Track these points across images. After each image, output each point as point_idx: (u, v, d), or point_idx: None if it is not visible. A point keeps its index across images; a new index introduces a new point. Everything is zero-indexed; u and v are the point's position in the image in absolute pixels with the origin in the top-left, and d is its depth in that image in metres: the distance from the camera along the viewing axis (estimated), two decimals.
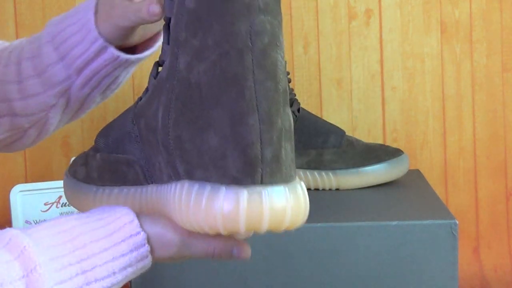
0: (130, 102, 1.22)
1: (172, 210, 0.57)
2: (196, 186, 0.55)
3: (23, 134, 0.78)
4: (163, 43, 0.60)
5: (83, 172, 0.69)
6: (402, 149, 1.11)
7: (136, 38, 0.75)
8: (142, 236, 0.57)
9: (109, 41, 0.72)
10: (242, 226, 0.53)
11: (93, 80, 0.75)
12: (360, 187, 1.02)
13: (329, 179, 1.01)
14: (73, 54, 0.73)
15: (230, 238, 0.59)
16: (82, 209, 0.68)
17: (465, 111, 1.22)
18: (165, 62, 0.59)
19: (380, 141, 1.22)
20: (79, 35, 0.73)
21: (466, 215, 1.22)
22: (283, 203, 0.54)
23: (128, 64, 0.75)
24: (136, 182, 0.63)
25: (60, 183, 0.84)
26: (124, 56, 0.73)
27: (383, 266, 0.83)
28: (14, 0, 1.21)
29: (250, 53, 0.54)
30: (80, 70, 0.74)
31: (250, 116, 0.53)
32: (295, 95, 1.06)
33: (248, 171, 0.53)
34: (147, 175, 0.62)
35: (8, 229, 0.55)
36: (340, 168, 1.01)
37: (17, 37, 1.21)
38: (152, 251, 0.58)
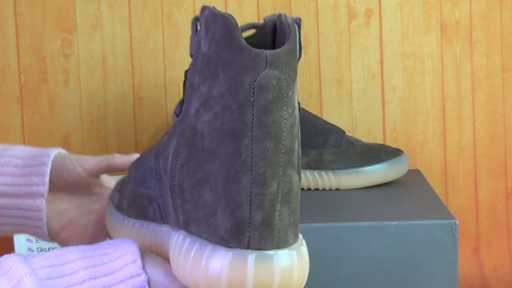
0: (130, 102, 1.22)
1: (170, 258, 0.56)
2: (188, 240, 0.53)
3: None
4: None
5: (117, 199, 0.68)
6: (402, 149, 1.11)
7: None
8: (143, 278, 0.54)
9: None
10: None
11: None
12: (360, 187, 1.02)
13: (329, 179, 1.01)
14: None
15: None
16: (112, 234, 0.68)
17: (465, 111, 1.22)
18: (183, 103, 0.57)
19: (380, 141, 1.22)
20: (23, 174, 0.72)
21: (466, 215, 1.22)
22: (270, 270, 0.51)
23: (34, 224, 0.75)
24: (155, 219, 0.61)
25: None
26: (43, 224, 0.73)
27: (383, 266, 0.83)
28: (14, 0, 1.21)
29: (252, 108, 0.51)
30: None
31: (243, 176, 0.51)
32: None
33: (235, 234, 0.51)
34: (163, 214, 0.60)
35: (12, 255, 0.54)
36: (340, 168, 1.01)
37: (17, 37, 1.22)
38: None
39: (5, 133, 1.22)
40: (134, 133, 1.22)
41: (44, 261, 0.53)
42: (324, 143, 1.03)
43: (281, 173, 0.51)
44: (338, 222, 0.84)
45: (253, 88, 0.51)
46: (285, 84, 0.51)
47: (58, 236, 0.75)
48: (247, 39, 0.56)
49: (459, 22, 1.21)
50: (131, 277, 0.54)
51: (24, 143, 1.22)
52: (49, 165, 0.72)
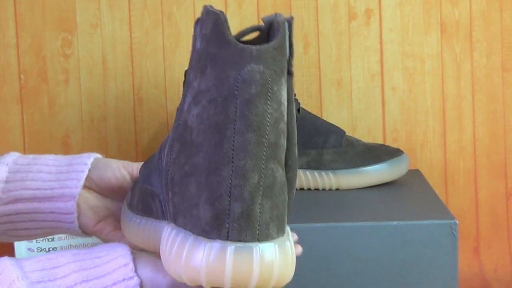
0: (130, 102, 1.22)
1: (160, 252, 0.56)
2: (174, 232, 0.54)
3: None
4: None
5: (129, 198, 0.69)
6: (402, 149, 1.11)
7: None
8: (135, 281, 0.54)
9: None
10: (204, 280, 0.52)
11: (17, 216, 0.73)
12: (360, 187, 1.02)
13: (329, 179, 1.01)
14: (25, 185, 0.72)
15: None
16: (123, 232, 0.68)
17: (465, 111, 1.22)
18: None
19: (380, 141, 1.22)
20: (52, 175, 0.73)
21: (466, 215, 1.22)
22: (249, 262, 0.51)
23: (67, 229, 0.75)
24: (157, 216, 0.62)
25: None
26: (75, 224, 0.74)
27: (383, 266, 0.83)
28: (14, 0, 1.21)
29: (235, 102, 0.51)
30: (15, 201, 0.72)
31: (224, 168, 0.51)
32: (295, 95, 1.06)
33: (215, 225, 0.51)
34: (164, 211, 0.60)
35: (4, 258, 0.54)
36: (340, 168, 1.01)
37: (17, 37, 1.22)
38: None
39: (5, 133, 1.22)
40: (134, 133, 1.22)
41: (36, 264, 0.54)
42: (324, 143, 1.03)
43: (263, 166, 0.51)
44: (338, 222, 0.84)
45: (237, 82, 0.51)
46: (269, 79, 0.52)
47: (91, 231, 0.75)
48: (250, 41, 0.56)
49: (459, 22, 1.21)
50: (123, 280, 0.54)
51: (24, 143, 1.22)
52: (86, 171, 0.73)
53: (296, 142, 0.56)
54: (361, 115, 1.22)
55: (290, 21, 0.54)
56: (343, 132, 1.05)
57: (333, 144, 1.03)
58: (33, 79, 1.22)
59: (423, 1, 1.20)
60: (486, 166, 1.22)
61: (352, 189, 1.01)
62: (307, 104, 1.21)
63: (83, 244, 1.10)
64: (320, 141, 1.03)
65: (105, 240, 0.75)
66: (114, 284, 0.54)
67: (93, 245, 1.05)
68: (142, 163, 0.70)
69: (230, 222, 0.51)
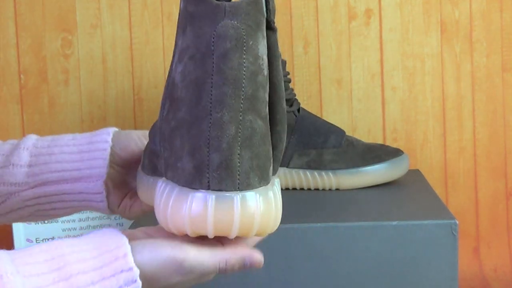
0: (130, 102, 1.22)
1: (154, 206, 0.58)
2: (163, 185, 0.56)
3: None
4: None
5: (142, 159, 0.70)
6: (402, 149, 1.11)
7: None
8: (134, 272, 0.54)
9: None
10: (188, 229, 0.54)
11: (45, 199, 0.73)
12: (360, 187, 1.02)
13: (329, 179, 1.01)
14: (50, 168, 0.72)
15: (239, 246, 0.57)
16: (138, 193, 0.70)
17: (465, 111, 1.22)
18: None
19: (380, 141, 1.22)
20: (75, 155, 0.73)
21: (466, 215, 1.22)
22: (230, 210, 0.53)
23: (99, 208, 0.75)
24: (161, 174, 0.63)
25: None
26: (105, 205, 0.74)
27: (383, 266, 0.83)
28: (14, 0, 1.21)
29: (211, 57, 0.53)
30: (42, 184, 0.73)
31: (203, 120, 0.53)
32: (295, 95, 1.06)
33: (196, 175, 0.53)
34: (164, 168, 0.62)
35: None
36: (340, 168, 1.01)
37: (17, 37, 1.22)
38: (155, 280, 0.55)
39: (5, 133, 1.22)
40: None
41: (29, 257, 0.53)
42: (324, 143, 1.03)
43: (240, 118, 0.53)
44: (338, 222, 0.84)
45: (213, 38, 0.53)
46: (244, 33, 0.53)
47: (118, 209, 0.76)
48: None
49: (459, 22, 1.21)
50: (122, 271, 0.54)
51: None
52: (109, 149, 0.73)
53: (283, 95, 0.58)
54: (361, 115, 1.22)
55: None
56: (343, 132, 1.05)
57: (333, 144, 1.03)
58: (33, 79, 1.22)
59: (423, 1, 1.20)
60: (486, 166, 1.22)
61: (352, 189, 1.01)
62: (307, 104, 1.21)
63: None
64: (320, 141, 1.03)
65: (129, 217, 0.76)
66: (112, 276, 0.53)
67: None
68: None
69: (210, 172, 0.53)
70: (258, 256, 0.57)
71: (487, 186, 1.22)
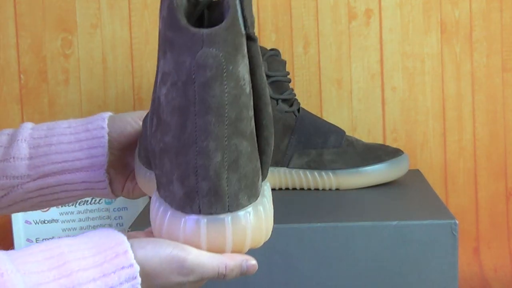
0: (130, 102, 1.22)
1: (150, 217, 0.60)
2: (157, 203, 0.58)
3: None
4: None
5: (138, 148, 0.71)
6: (402, 149, 1.11)
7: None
8: (134, 268, 0.54)
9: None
10: None
11: (48, 190, 0.74)
12: (360, 187, 1.02)
13: (329, 179, 1.01)
14: (50, 159, 0.73)
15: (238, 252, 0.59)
16: (137, 182, 0.71)
17: (465, 111, 1.22)
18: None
19: (380, 141, 1.22)
20: (74, 144, 0.73)
21: (466, 215, 1.22)
22: (222, 232, 0.55)
23: (103, 194, 0.76)
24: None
25: None
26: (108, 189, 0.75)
27: (383, 266, 0.83)
28: (14, 0, 1.21)
29: (193, 86, 0.54)
30: (44, 176, 0.73)
31: (189, 149, 0.54)
32: (295, 95, 1.06)
33: (187, 201, 0.55)
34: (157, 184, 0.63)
35: None
36: (340, 168, 1.01)
37: (17, 37, 1.22)
38: (152, 278, 0.56)
39: None
40: None
41: (29, 256, 0.53)
42: (324, 143, 1.03)
43: (225, 143, 0.54)
44: (338, 222, 0.84)
45: (193, 67, 0.54)
46: (223, 60, 0.54)
47: (122, 193, 0.77)
48: (215, 4, 0.59)
49: (459, 22, 1.21)
50: (122, 268, 0.54)
51: None
52: (106, 136, 0.73)
53: (269, 101, 0.59)
54: (361, 115, 1.22)
55: None
56: (343, 132, 1.05)
57: (333, 144, 1.03)
58: (33, 79, 1.22)
59: (423, 1, 1.20)
60: (486, 166, 1.22)
61: (352, 189, 1.01)
62: (307, 104, 1.21)
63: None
64: (320, 141, 1.03)
65: (133, 198, 0.77)
66: (113, 272, 0.54)
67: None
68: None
69: (199, 198, 0.55)
70: (253, 261, 0.59)
71: (487, 186, 1.22)
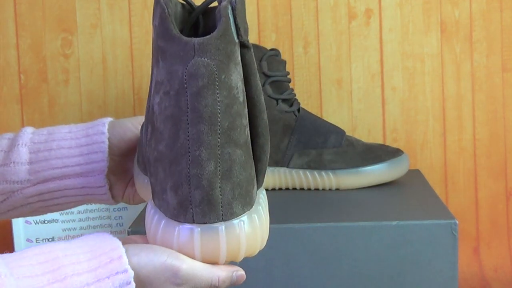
0: (130, 102, 1.22)
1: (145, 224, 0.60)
2: (152, 212, 0.58)
3: None
4: None
5: (137, 154, 0.71)
6: (402, 149, 1.11)
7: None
8: (128, 274, 0.54)
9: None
10: None
11: (48, 195, 0.74)
12: (360, 187, 1.02)
13: (329, 179, 1.01)
14: (51, 164, 0.73)
15: (230, 263, 0.59)
16: (137, 187, 0.71)
17: (465, 111, 1.22)
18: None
19: (380, 141, 1.22)
20: (74, 150, 0.73)
21: (466, 215, 1.22)
22: (216, 241, 0.55)
23: (104, 200, 0.76)
24: None
25: None
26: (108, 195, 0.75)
27: (383, 266, 0.83)
28: (14, 0, 1.21)
29: (185, 95, 0.54)
30: (44, 181, 0.73)
31: (182, 158, 0.54)
32: (295, 95, 1.06)
33: (180, 211, 0.55)
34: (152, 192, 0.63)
35: None
36: (340, 168, 1.01)
37: (17, 37, 1.22)
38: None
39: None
40: None
41: (23, 260, 0.52)
42: (324, 143, 1.03)
43: (218, 152, 0.54)
44: (338, 222, 0.84)
45: (185, 76, 0.54)
46: (215, 69, 0.54)
47: (122, 199, 0.77)
48: (210, 11, 0.59)
49: (459, 22, 1.21)
50: (117, 273, 0.54)
51: None
52: (107, 141, 0.73)
53: (264, 109, 0.59)
54: (361, 115, 1.22)
55: (233, 4, 0.55)
56: (343, 132, 1.05)
57: (333, 144, 1.03)
58: (33, 79, 1.22)
59: (423, 1, 1.20)
60: (486, 166, 1.22)
61: (352, 189, 1.01)
62: (307, 104, 1.21)
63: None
64: (320, 141, 1.03)
65: (134, 204, 0.77)
66: (107, 277, 0.53)
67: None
68: None
69: (193, 208, 0.54)
70: (242, 272, 0.59)
71: (487, 186, 1.22)
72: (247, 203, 0.56)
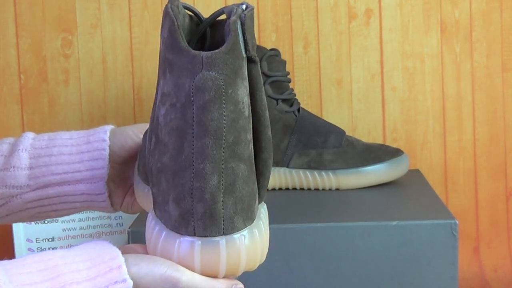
0: (130, 102, 1.22)
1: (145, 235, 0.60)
2: (153, 223, 0.58)
3: None
4: None
5: (138, 163, 0.71)
6: (402, 149, 1.11)
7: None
8: (127, 284, 0.54)
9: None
10: None
11: (47, 200, 0.73)
12: (360, 187, 1.02)
13: (329, 179, 1.01)
14: (51, 170, 0.72)
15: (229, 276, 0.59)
16: (136, 196, 0.70)
17: (465, 111, 1.22)
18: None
19: (380, 141, 1.22)
20: (74, 156, 0.73)
21: (466, 215, 1.22)
22: (216, 255, 0.55)
23: (103, 208, 0.76)
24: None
25: None
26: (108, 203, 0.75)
27: (383, 266, 0.83)
28: (14, 0, 1.21)
29: (192, 108, 0.54)
30: (44, 186, 0.73)
31: (186, 171, 0.54)
32: (295, 95, 1.06)
33: (182, 223, 0.55)
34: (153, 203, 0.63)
35: None
36: (340, 168, 1.01)
37: (17, 37, 1.22)
38: None
39: (5, 133, 1.22)
40: None
41: (22, 267, 0.52)
42: (324, 143, 1.03)
43: (222, 166, 0.54)
44: (338, 222, 0.84)
45: (192, 89, 0.54)
46: (222, 84, 0.54)
47: (121, 208, 0.76)
48: (218, 23, 0.59)
49: (459, 22, 1.21)
50: (116, 282, 0.54)
51: None
52: (107, 148, 0.73)
53: (268, 124, 0.59)
54: (361, 115, 1.22)
55: (242, 19, 0.54)
56: (343, 132, 1.05)
57: (333, 144, 1.03)
58: (33, 79, 1.22)
59: (423, 1, 1.20)
60: (486, 166, 1.22)
61: (352, 189, 1.01)
62: (307, 104, 1.21)
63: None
64: (320, 141, 1.03)
65: (132, 213, 0.77)
66: (106, 286, 0.53)
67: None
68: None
69: (195, 220, 0.54)
70: (241, 285, 0.59)
71: (487, 186, 1.22)
72: (249, 218, 0.56)
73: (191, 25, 0.60)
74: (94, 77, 1.22)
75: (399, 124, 1.22)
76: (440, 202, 0.91)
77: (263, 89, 0.58)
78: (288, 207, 0.93)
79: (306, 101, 1.21)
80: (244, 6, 0.56)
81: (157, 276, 0.55)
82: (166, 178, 0.56)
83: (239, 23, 0.55)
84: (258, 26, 1.21)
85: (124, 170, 0.75)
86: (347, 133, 1.17)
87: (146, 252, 0.59)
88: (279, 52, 1.07)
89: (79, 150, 0.73)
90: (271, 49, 1.06)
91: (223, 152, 0.54)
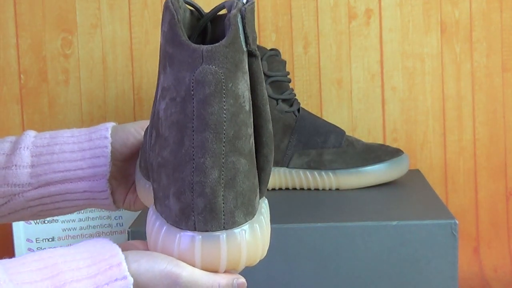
0: (130, 102, 1.22)
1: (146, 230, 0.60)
2: (153, 218, 0.58)
3: None
4: None
5: (139, 159, 0.71)
6: (402, 149, 1.11)
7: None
8: (128, 281, 0.54)
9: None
10: None
11: (49, 199, 0.73)
12: (360, 187, 1.02)
13: (329, 179, 1.01)
14: (53, 168, 0.72)
15: (230, 271, 0.59)
16: (137, 192, 0.71)
17: (465, 111, 1.22)
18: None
19: (380, 141, 1.22)
20: (76, 154, 0.73)
21: (466, 215, 1.22)
22: (216, 249, 0.55)
23: (105, 205, 0.75)
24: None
25: None
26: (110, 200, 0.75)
27: (383, 266, 0.83)
28: (14, 0, 1.21)
29: (192, 102, 0.54)
30: (46, 184, 0.73)
31: (186, 165, 0.54)
32: (295, 95, 1.06)
33: (182, 218, 0.55)
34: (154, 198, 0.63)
35: None
36: (340, 168, 1.01)
37: (17, 37, 1.22)
38: None
39: (5, 133, 1.22)
40: None
41: (22, 266, 0.52)
42: (324, 143, 1.03)
43: (223, 161, 0.54)
44: (338, 222, 0.84)
45: (192, 83, 0.54)
46: (223, 77, 0.54)
47: (123, 205, 0.76)
48: (219, 18, 0.59)
49: (459, 22, 1.21)
50: (116, 280, 0.54)
51: None
52: (109, 146, 0.73)
53: (269, 118, 0.59)
54: (361, 115, 1.22)
55: (243, 13, 0.54)
56: (343, 132, 1.05)
57: (333, 144, 1.03)
58: (33, 79, 1.22)
59: (423, 1, 1.20)
60: (486, 166, 1.22)
61: (352, 189, 1.01)
62: (307, 104, 1.21)
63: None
64: (320, 141, 1.03)
65: (134, 210, 0.77)
66: (106, 284, 0.53)
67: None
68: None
69: (195, 215, 0.54)
70: (243, 279, 0.59)
71: (487, 186, 1.22)
72: (249, 213, 0.56)
73: (192, 20, 0.60)
74: (94, 77, 1.22)
75: (399, 124, 1.22)
76: (440, 202, 0.91)
77: (264, 84, 0.58)
78: (288, 207, 0.93)
79: (306, 101, 1.21)
80: (244, 0, 0.56)
81: (157, 273, 0.55)
82: (167, 173, 0.55)
83: (239, 16, 0.55)
84: (258, 26, 1.21)
85: (126, 167, 0.75)
86: (347, 133, 1.17)
87: (147, 249, 0.59)
88: (279, 52, 1.07)
89: (81, 147, 0.73)
90: (271, 49, 1.06)
91: (223, 146, 0.54)
